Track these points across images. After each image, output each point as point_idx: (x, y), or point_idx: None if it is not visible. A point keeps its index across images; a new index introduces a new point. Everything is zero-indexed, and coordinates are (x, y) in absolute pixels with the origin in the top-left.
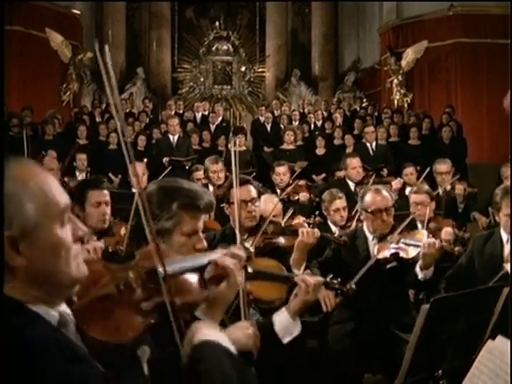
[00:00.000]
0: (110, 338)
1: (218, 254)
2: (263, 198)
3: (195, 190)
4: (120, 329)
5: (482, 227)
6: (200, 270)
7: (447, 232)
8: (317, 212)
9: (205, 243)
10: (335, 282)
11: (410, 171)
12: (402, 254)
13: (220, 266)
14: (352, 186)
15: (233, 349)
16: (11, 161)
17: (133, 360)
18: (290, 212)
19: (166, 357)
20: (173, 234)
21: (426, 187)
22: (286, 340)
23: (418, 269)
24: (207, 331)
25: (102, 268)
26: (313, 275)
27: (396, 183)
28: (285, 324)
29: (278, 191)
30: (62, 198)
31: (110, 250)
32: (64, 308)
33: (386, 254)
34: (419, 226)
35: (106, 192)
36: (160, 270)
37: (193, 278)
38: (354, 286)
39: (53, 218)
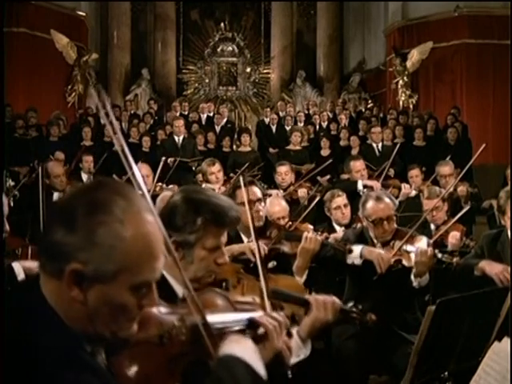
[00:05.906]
0: None
1: (258, 314)
2: (269, 199)
3: (222, 204)
4: (150, 381)
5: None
6: (239, 327)
7: (454, 236)
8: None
9: (226, 258)
10: (355, 310)
11: (415, 173)
12: (404, 262)
13: (259, 326)
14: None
15: (259, 365)
16: (128, 194)
17: None
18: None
19: None
20: (194, 247)
21: (437, 190)
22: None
23: (412, 276)
24: (235, 345)
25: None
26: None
27: (406, 189)
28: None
29: (281, 191)
30: (148, 270)
31: None
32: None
33: (390, 261)
34: (432, 227)
35: None
36: (200, 323)
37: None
38: (374, 317)
39: (129, 282)
